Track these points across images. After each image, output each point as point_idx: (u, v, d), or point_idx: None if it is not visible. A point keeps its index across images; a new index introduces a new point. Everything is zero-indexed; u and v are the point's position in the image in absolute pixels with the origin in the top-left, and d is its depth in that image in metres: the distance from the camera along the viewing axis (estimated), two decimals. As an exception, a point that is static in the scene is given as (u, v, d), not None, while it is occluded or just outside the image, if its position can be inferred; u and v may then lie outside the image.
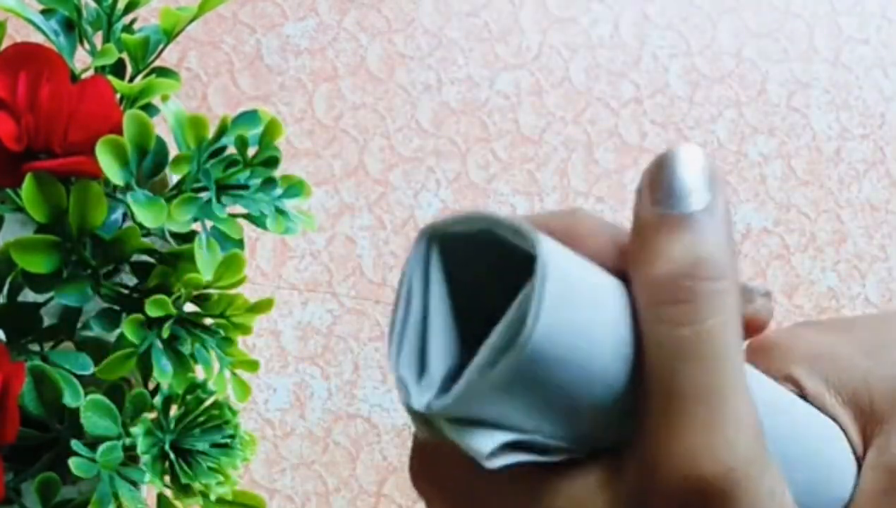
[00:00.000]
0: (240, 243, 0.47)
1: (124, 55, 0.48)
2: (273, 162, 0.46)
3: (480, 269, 0.24)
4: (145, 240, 0.46)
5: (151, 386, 0.47)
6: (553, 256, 0.22)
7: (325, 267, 0.72)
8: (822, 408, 0.28)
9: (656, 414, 0.23)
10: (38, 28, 0.48)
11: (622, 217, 0.81)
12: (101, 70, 0.48)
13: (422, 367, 0.23)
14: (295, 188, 0.48)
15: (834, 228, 0.75)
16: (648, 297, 0.24)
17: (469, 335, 0.24)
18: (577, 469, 0.24)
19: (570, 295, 0.23)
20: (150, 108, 0.48)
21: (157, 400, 0.47)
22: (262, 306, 0.48)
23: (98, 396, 0.44)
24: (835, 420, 0.28)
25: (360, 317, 0.71)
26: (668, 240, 0.24)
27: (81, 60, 0.49)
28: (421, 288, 0.24)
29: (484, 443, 0.22)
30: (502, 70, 0.81)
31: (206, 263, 0.44)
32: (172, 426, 0.46)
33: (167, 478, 0.46)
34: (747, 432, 0.23)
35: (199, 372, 0.47)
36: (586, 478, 0.24)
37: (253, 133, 0.46)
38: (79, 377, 0.45)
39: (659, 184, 0.24)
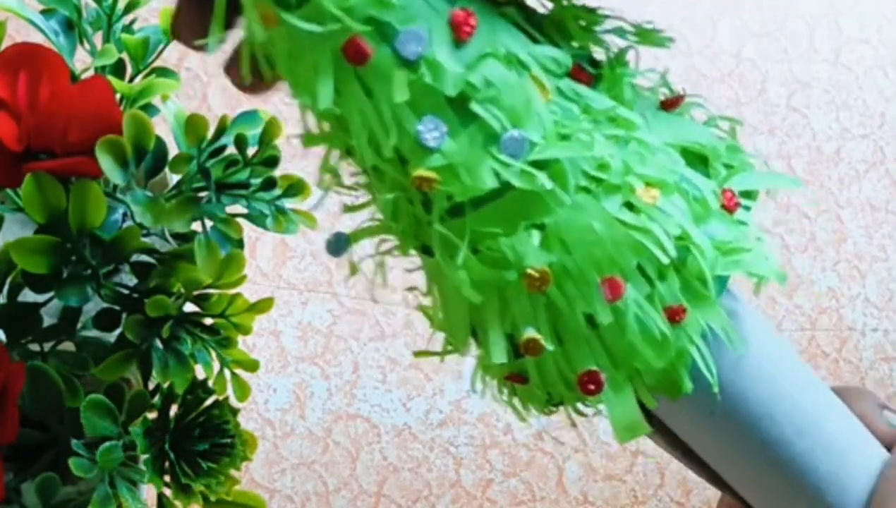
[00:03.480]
0: (240, 243, 0.47)
1: (124, 55, 0.48)
2: (273, 161, 0.46)
3: None
4: (145, 240, 0.46)
5: (151, 386, 0.47)
6: None
7: (325, 267, 0.72)
8: None
9: None
10: (38, 28, 0.48)
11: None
12: (101, 70, 0.48)
13: None
14: (295, 188, 0.48)
15: (834, 228, 0.75)
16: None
17: None
18: None
19: None
20: (150, 108, 0.48)
21: (157, 399, 0.47)
22: (262, 306, 0.48)
23: (98, 396, 0.44)
24: None
25: (360, 317, 0.71)
26: None
27: (81, 60, 0.49)
28: None
29: None
30: (502, 70, 0.81)
31: (206, 263, 0.44)
32: (172, 426, 0.46)
33: (167, 478, 0.46)
34: None
35: (200, 372, 0.47)
36: None
37: (253, 133, 0.46)
38: (79, 377, 0.45)
39: None
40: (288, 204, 0.47)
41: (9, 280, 0.45)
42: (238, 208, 0.46)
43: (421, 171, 0.27)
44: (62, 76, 0.44)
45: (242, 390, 0.49)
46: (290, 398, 0.69)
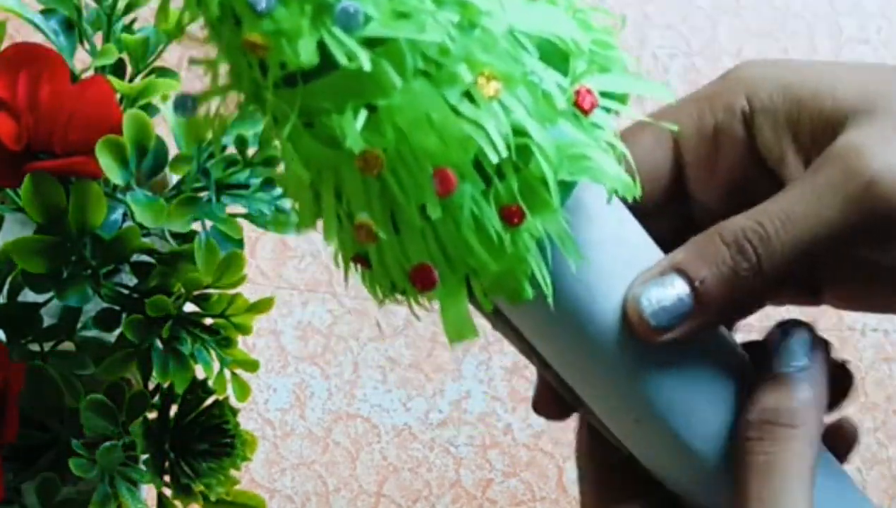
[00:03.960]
0: (240, 243, 0.47)
1: (124, 55, 0.48)
2: (273, 161, 0.46)
3: None
4: (145, 240, 0.46)
5: (151, 386, 0.47)
6: None
7: (325, 267, 0.72)
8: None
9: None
10: (38, 28, 0.48)
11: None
12: (101, 70, 0.48)
13: None
14: (295, 188, 0.48)
15: (834, 228, 0.75)
16: (744, 430, 0.33)
17: None
18: None
19: None
20: (150, 108, 0.48)
21: (157, 400, 0.47)
22: (262, 306, 0.48)
23: (98, 396, 0.44)
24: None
25: (360, 317, 0.71)
26: (767, 391, 0.34)
27: (81, 60, 0.49)
28: None
29: None
30: (502, 70, 0.81)
31: (206, 263, 0.44)
32: (172, 426, 0.46)
33: (167, 478, 0.46)
34: None
35: (200, 372, 0.47)
36: None
37: (253, 133, 0.46)
38: (79, 377, 0.45)
39: (774, 346, 0.34)
40: (288, 204, 0.47)
41: (9, 280, 0.45)
42: (238, 208, 0.46)
43: (250, 36, 0.26)
44: (62, 76, 0.44)
45: (242, 390, 0.49)
46: (290, 398, 0.69)
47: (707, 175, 0.36)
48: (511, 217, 0.29)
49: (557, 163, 0.29)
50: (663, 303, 0.32)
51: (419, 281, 0.29)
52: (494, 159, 0.28)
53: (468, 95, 0.28)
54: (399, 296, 0.32)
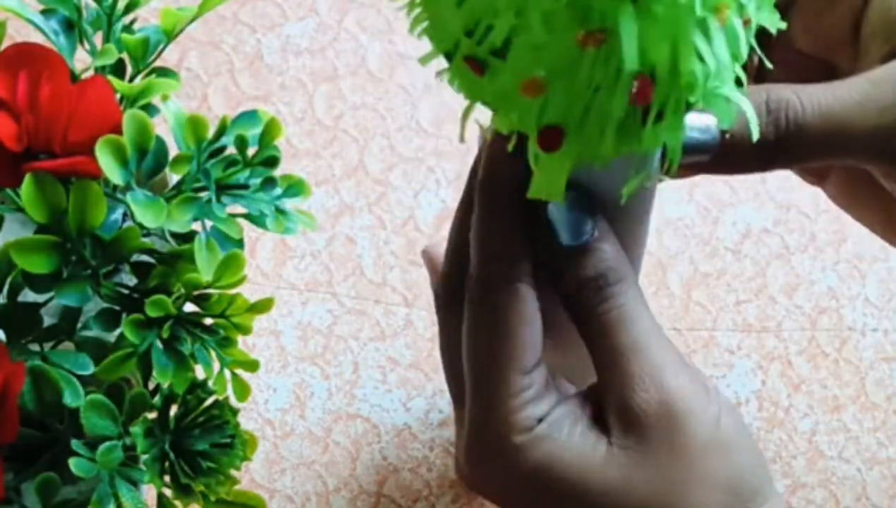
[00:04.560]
0: (240, 243, 0.47)
1: (124, 55, 0.48)
2: (273, 161, 0.46)
3: None
4: (145, 240, 0.46)
5: (151, 386, 0.47)
6: None
7: (325, 267, 0.72)
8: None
9: (601, 367, 0.36)
10: (38, 28, 0.48)
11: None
12: (101, 70, 0.48)
13: None
14: (295, 188, 0.48)
15: (834, 228, 0.75)
16: (583, 299, 0.36)
17: None
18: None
19: None
20: (150, 108, 0.48)
21: (157, 400, 0.47)
22: (262, 306, 0.48)
23: (98, 396, 0.44)
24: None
25: (360, 317, 0.71)
26: (575, 262, 0.36)
27: (81, 60, 0.49)
28: None
29: None
30: (502, 70, 0.81)
31: (206, 263, 0.44)
32: (172, 426, 0.46)
33: (167, 478, 0.46)
34: (668, 368, 0.35)
35: (200, 372, 0.47)
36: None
37: (253, 133, 0.46)
38: (79, 377, 0.45)
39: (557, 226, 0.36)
40: (288, 204, 0.47)
41: (9, 280, 0.45)
42: (238, 208, 0.46)
43: None
44: (62, 76, 0.44)
45: (242, 390, 0.49)
46: (290, 398, 0.69)
47: (811, 22, 0.37)
48: (658, 115, 0.29)
49: (706, 94, 0.30)
50: (691, 136, 0.33)
51: (547, 141, 0.30)
52: (694, 99, 0.28)
53: (702, 23, 0.27)
54: (482, 106, 0.32)
